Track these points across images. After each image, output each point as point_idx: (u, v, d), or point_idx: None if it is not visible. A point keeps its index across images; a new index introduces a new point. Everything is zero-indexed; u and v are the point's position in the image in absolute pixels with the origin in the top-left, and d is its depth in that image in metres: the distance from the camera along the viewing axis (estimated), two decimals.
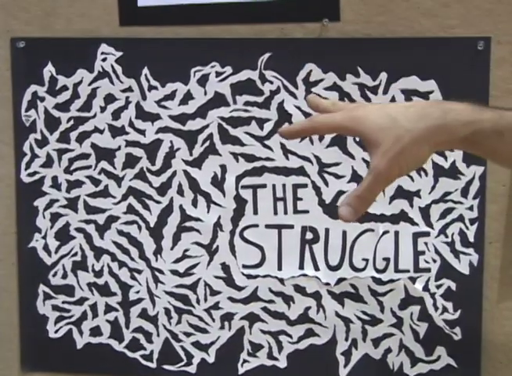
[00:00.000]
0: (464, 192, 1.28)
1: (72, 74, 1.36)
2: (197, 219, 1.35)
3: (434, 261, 1.30)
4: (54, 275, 1.41)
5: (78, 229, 1.39)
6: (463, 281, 1.30)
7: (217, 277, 1.36)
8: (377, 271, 1.31)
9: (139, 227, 1.37)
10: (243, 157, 1.32)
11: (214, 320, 1.37)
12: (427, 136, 0.78)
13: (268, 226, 1.33)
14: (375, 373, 1.34)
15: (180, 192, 1.35)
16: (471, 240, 1.29)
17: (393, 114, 0.79)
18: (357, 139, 1.28)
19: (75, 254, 1.39)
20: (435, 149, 0.80)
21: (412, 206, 1.29)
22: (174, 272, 1.37)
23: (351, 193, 0.80)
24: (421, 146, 0.79)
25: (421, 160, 0.80)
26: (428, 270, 1.30)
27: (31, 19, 1.37)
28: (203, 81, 1.32)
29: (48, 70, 1.36)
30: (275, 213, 1.33)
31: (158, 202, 1.36)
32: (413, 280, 1.31)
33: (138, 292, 1.38)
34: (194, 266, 1.36)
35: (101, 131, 1.36)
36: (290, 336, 1.35)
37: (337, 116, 0.83)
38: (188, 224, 1.35)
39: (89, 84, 1.36)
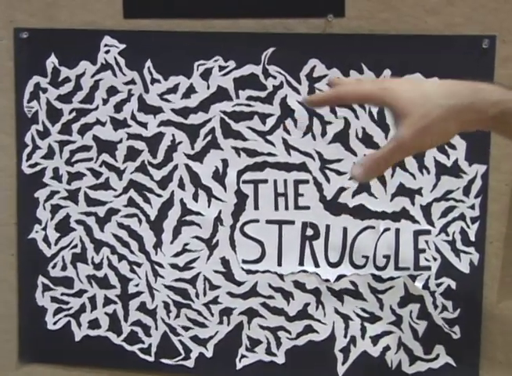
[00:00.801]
0: (466, 190, 1.28)
1: (75, 65, 1.36)
2: (198, 213, 1.34)
3: (435, 259, 1.30)
4: (53, 267, 1.40)
5: (78, 221, 1.38)
6: (463, 280, 1.30)
7: (216, 272, 1.35)
8: (377, 268, 1.31)
9: (140, 220, 1.36)
10: (245, 151, 1.32)
11: (212, 315, 1.36)
12: (456, 114, 0.79)
13: (268, 222, 1.33)
14: (373, 370, 1.33)
15: (181, 186, 1.34)
16: (472, 238, 1.29)
17: (424, 89, 0.80)
18: (359, 136, 1.28)
19: (75, 247, 1.39)
20: (463, 127, 0.81)
21: (413, 204, 1.29)
22: (174, 266, 1.36)
23: (369, 155, 0.81)
24: (449, 123, 0.79)
25: (447, 136, 0.81)
26: (428, 268, 1.30)
27: (35, 10, 1.36)
28: (206, 74, 1.32)
29: (51, 61, 1.36)
30: (276, 208, 1.32)
31: (159, 195, 1.35)
32: (413, 278, 1.30)
33: (137, 285, 1.38)
34: (194, 260, 1.36)
35: (103, 124, 1.35)
36: (289, 332, 1.35)
37: (366, 85, 0.83)
38: (188, 218, 1.35)
39: (92, 76, 1.35)
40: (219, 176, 1.33)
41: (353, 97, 0.84)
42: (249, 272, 1.34)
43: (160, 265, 1.37)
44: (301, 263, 1.33)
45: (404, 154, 0.81)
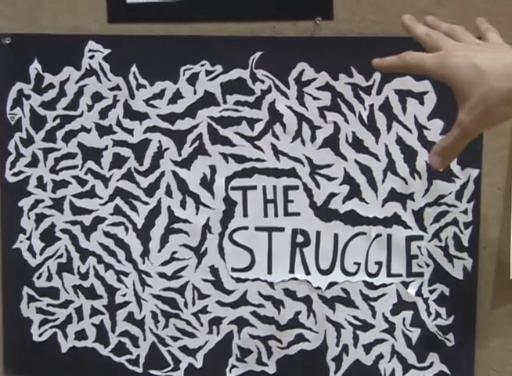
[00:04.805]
0: (459, 195, 1.26)
1: (59, 71, 1.33)
2: (186, 221, 1.32)
3: (428, 265, 1.28)
4: (38, 277, 1.38)
5: (64, 231, 1.36)
6: (456, 286, 1.28)
7: (205, 280, 1.33)
8: (369, 275, 1.29)
9: (126, 229, 1.34)
10: (233, 157, 1.30)
11: (202, 324, 1.34)
12: None
13: (258, 229, 1.31)
14: None
15: (168, 193, 1.32)
16: (465, 244, 1.27)
17: (481, 68, 0.79)
18: (349, 141, 1.26)
19: (60, 256, 1.37)
20: None
21: (405, 209, 1.27)
22: (162, 275, 1.34)
23: (439, 144, 0.84)
24: (508, 105, 0.79)
25: (507, 117, 0.81)
26: (421, 275, 1.28)
27: (17, 15, 1.34)
28: (192, 79, 1.30)
29: (35, 67, 1.34)
30: (266, 215, 1.30)
31: (146, 203, 1.33)
32: (406, 284, 1.28)
33: (124, 295, 1.36)
34: (182, 269, 1.33)
35: (88, 131, 1.33)
36: (280, 341, 1.33)
37: (427, 60, 0.84)
38: (176, 226, 1.33)
39: (76, 82, 1.33)
40: (207, 183, 1.31)
41: (415, 70, 0.87)
42: (238, 280, 1.32)
43: (148, 275, 1.34)
44: (292, 271, 1.31)
45: (469, 138, 0.83)
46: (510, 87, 0.77)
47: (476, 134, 0.83)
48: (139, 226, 1.34)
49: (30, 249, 1.37)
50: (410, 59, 0.86)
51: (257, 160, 1.29)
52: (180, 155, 1.31)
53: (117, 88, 1.32)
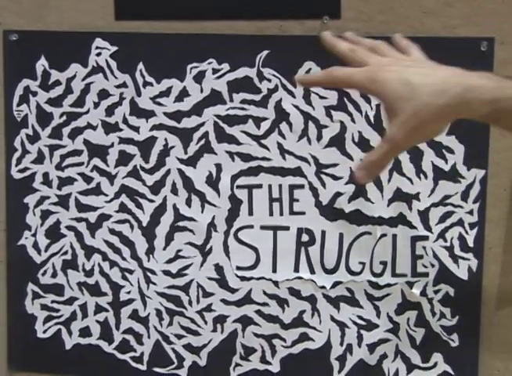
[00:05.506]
0: (464, 195, 1.26)
1: (65, 68, 1.33)
2: (191, 219, 1.32)
3: (433, 265, 1.28)
4: (43, 274, 1.38)
5: (69, 227, 1.36)
6: (461, 287, 1.28)
7: (210, 279, 1.33)
8: (374, 275, 1.29)
9: (131, 226, 1.34)
10: (239, 156, 1.30)
11: (206, 323, 1.34)
12: (446, 112, 0.77)
13: (263, 227, 1.31)
14: None
15: (174, 191, 1.32)
16: (471, 244, 1.27)
17: (413, 83, 0.78)
18: (355, 140, 1.26)
19: (65, 253, 1.37)
20: (453, 120, 0.80)
21: (410, 209, 1.27)
22: (167, 273, 1.34)
23: (367, 158, 0.82)
24: (439, 121, 0.79)
25: (438, 132, 0.81)
26: (426, 275, 1.28)
27: (24, 12, 1.34)
28: (199, 77, 1.30)
29: (41, 64, 1.33)
30: (271, 214, 1.30)
31: (151, 201, 1.33)
32: (411, 284, 1.28)
33: (129, 293, 1.36)
34: (187, 267, 1.33)
35: (94, 128, 1.33)
36: (284, 340, 1.33)
37: (356, 75, 0.82)
38: (181, 224, 1.33)
39: (83, 80, 1.33)
40: (213, 181, 1.31)
41: (344, 85, 0.86)
42: (243, 278, 1.32)
43: (153, 272, 1.34)
44: (297, 270, 1.31)
45: (398, 153, 0.82)
46: (442, 103, 0.76)
47: (405, 149, 0.82)
48: (144, 224, 1.34)
49: (36, 246, 1.37)
50: (338, 74, 0.84)
51: (263, 158, 1.29)
52: (186, 153, 1.31)
53: (124, 85, 1.32)
